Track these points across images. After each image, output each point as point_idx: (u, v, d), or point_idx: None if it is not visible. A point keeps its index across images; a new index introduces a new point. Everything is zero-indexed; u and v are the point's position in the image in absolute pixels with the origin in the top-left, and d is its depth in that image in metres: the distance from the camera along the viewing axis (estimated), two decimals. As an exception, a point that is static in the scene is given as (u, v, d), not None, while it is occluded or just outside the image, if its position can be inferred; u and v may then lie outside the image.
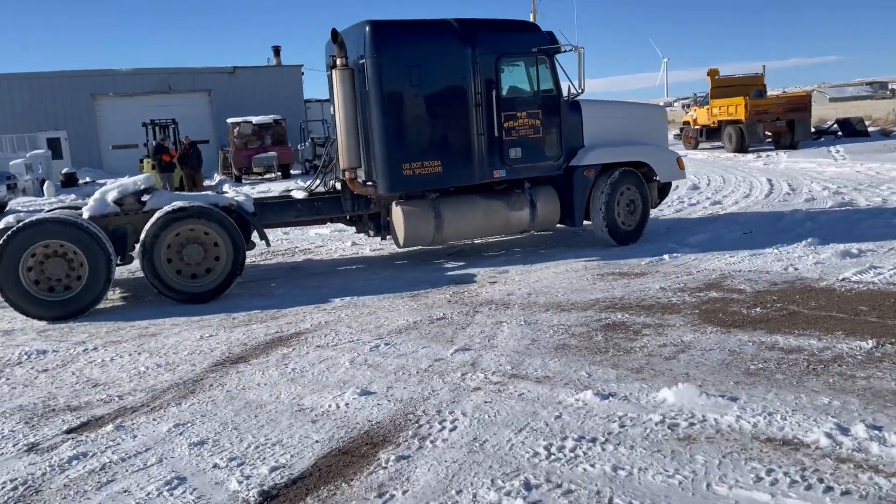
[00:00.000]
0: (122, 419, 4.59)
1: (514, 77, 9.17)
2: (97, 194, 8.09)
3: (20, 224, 7.21)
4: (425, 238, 8.96)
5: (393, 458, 3.86)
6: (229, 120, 26.90)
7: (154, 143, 22.56)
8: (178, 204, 7.79)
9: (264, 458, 3.94)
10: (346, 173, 8.84)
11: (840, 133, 32.01)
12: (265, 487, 3.63)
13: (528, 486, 3.47)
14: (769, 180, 16.35)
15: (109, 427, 4.46)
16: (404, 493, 3.50)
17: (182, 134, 23.18)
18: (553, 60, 9.23)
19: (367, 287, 8.03)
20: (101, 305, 7.63)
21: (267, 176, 26.35)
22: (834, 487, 3.28)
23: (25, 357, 6.04)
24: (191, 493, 3.60)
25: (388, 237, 9.37)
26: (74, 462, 4.00)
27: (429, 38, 8.80)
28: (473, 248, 10.22)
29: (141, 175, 8.71)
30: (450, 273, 8.58)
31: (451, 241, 9.50)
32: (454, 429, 4.17)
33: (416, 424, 4.27)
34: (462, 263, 9.09)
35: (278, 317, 6.98)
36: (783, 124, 27.18)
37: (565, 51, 9.14)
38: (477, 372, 5.09)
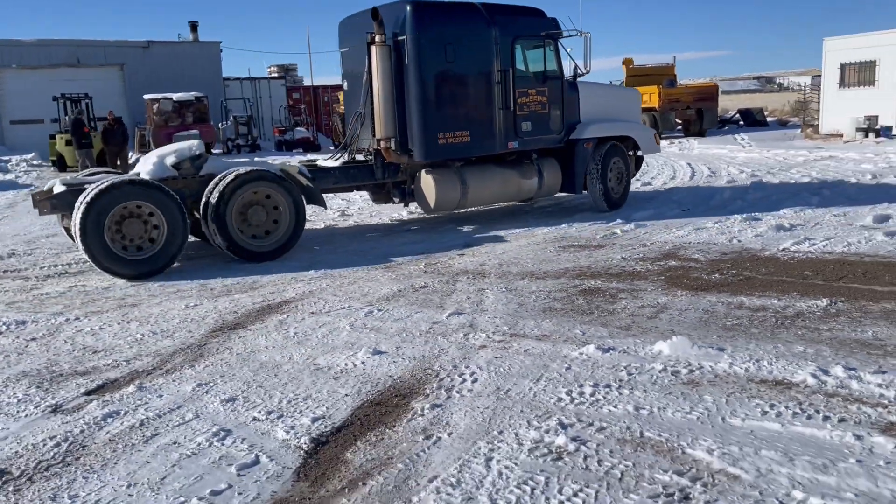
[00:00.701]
0: (139, 381, 4.62)
1: (526, 57, 10.08)
2: (153, 158, 8.22)
3: (105, 185, 7.41)
4: (451, 203, 9.78)
5: (427, 406, 4.09)
6: (147, 96, 25.95)
7: (69, 117, 21.58)
8: (245, 168, 8.27)
9: (301, 411, 4.10)
10: (382, 143, 9.36)
11: (742, 122, 34.04)
12: (313, 435, 3.80)
13: (562, 425, 3.78)
14: (689, 164, 17.32)
15: (131, 388, 4.49)
16: (449, 434, 3.75)
17: (97, 110, 22.27)
18: (557, 44, 10.21)
19: (340, 260, 8.17)
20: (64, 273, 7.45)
21: (187, 155, 25.60)
22: (830, 416, 3.75)
23: (5, 328, 5.88)
24: (241, 443, 3.73)
25: (411, 203, 10.26)
26: (110, 420, 4.04)
27: (461, 18, 9.58)
28: (432, 223, 10.47)
29: (194, 140, 8.88)
30: (417, 245, 8.79)
31: (473, 206, 10.53)
32: (475, 381, 4.44)
33: (438, 378, 4.52)
34: (425, 237, 9.32)
35: (257, 287, 7.03)
36: (693, 113, 28.69)
37: (567, 35, 10.18)
38: (477, 332, 5.37)
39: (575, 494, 3.13)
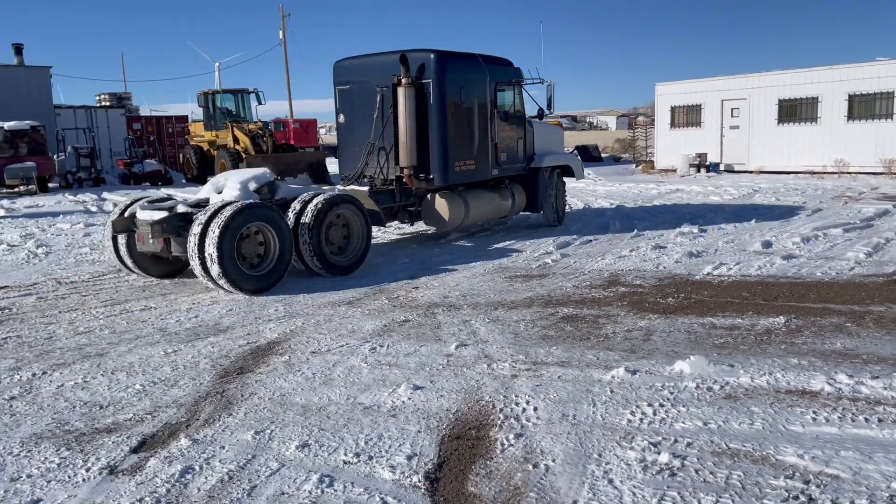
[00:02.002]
0: (184, 433, 4.29)
1: (502, 100, 12.01)
2: (235, 184, 8.64)
3: (238, 206, 7.86)
4: (457, 220, 11.30)
5: (511, 436, 4.17)
6: (-28, 124, 23.34)
7: None
8: (328, 192, 9.19)
9: (388, 451, 4.02)
10: (406, 170, 10.71)
11: (579, 158, 36.49)
12: (420, 472, 3.76)
13: (652, 443, 4.02)
14: (561, 197, 18.39)
15: (182, 441, 4.16)
16: (554, 461, 3.86)
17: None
18: (522, 89, 12.46)
19: (294, 297, 7.91)
20: (-7, 328, 6.65)
21: (20, 189, 23.31)
22: (870, 418, 4.28)
23: (-35, 386, 5.18)
24: (354, 486, 3.62)
25: (417, 223, 11.85)
26: (190, 475, 3.74)
27: (468, 66, 11.38)
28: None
29: (264, 167, 9.53)
30: (361, 280, 8.71)
31: (471, 223, 12.01)
32: (535, 409, 4.58)
33: (497, 409, 4.60)
34: (364, 272, 9.24)
35: (226, 329, 6.68)
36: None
37: (531, 82, 12.58)
38: (498, 362, 5.50)
39: (716, 504, 3.37)
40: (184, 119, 34.15)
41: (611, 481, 3.61)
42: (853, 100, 22.16)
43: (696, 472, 3.68)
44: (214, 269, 7.66)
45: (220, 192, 8.73)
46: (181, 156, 28.95)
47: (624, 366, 5.24)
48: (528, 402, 4.67)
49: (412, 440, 4.16)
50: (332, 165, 29.69)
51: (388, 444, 4.12)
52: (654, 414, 4.43)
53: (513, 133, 12.23)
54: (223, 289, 7.88)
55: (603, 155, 37.84)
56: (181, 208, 8.32)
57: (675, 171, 25.67)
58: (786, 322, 6.38)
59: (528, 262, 9.64)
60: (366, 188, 10.53)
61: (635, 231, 11.86)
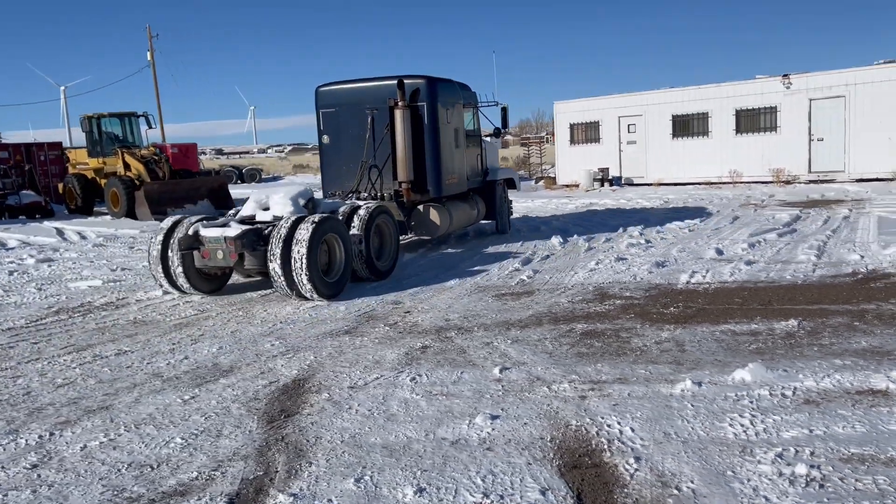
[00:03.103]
0: (273, 488, 3.79)
1: (469, 120, 13.63)
2: (285, 200, 9.22)
3: (320, 218, 8.56)
4: (445, 229, 12.29)
5: (629, 460, 3.98)
6: None
7: None
8: (369, 204, 10.08)
9: (516, 488, 3.72)
10: (404, 185, 11.86)
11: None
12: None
13: (778, 455, 3.94)
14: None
15: (282, 498, 3.68)
16: (691, 481, 3.70)
17: None
18: (478, 111, 14.09)
19: (282, 331, 7.37)
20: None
21: None
22: (954, 411, 4.41)
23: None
24: (509, 532, 3.30)
25: (409, 233, 12.47)
26: (320, 538, 3.28)
27: (449, 90, 12.72)
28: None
29: (305, 185, 10.99)
30: (338, 306, 8.25)
31: (452, 231, 13.04)
32: (632, 429, 4.40)
33: (592, 433, 4.39)
34: (325, 300, 8.78)
35: (230, 369, 6.09)
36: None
37: (486, 105, 14.22)
38: (554, 384, 5.28)
39: (890, 512, 3.31)
40: (57, 146, 31.75)
41: (767, 499, 3.49)
42: (740, 114, 23.71)
43: (842, 480, 3.63)
44: (303, 278, 8.26)
45: (266, 209, 9.32)
46: (62, 185, 26.80)
47: (687, 379, 5.17)
48: (618, 423, 4.49)
49: (530, 474, 3.87)
50: (234, 190, 28.07)
51: (507, 480, 3.82)
52: (753, 424, 4.36)
53: (476, 150, 13.84)
54: (305, 297, 8.49)
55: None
56: (234, 225, 8.89)
57: (577, 186, 26.45)
58: (798, 324, 6.56)
59: (503, 279, 9.50)
60: (372, 203, 10.62)
61: (588, 246, 12.00)
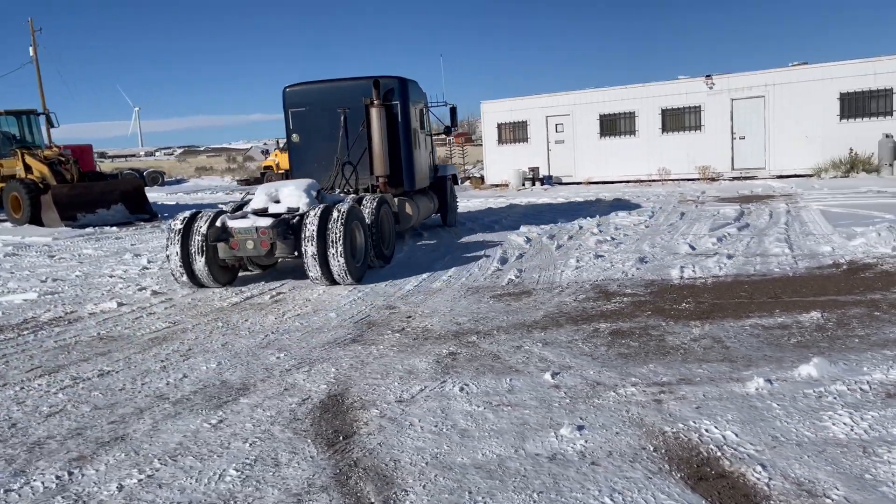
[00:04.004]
0: (383, 527, 3.27)
1: (425, 118, 14.31)
2: (299, 192, 9.60)
3: (349, 207, 9.10)
4: (415, 220, 12.96)
5: (757, 467, 3.68)
6: None
7: None
8: (375, 196, 10.92)
9: (643, 500, 3.36)
10: (381, 179, 12.52)
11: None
12: (729, 528, 3.15)
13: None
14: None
15: (399, 538, 3.16)
16: (836, 488, 3.44)
17: None
18: (429, 110, 14.64)
19: (280, 341, 6.72)
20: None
21: None
22: None
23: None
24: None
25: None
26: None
27: (415, 90, 13.46)
28: (287, 278, 9.20)
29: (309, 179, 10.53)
30: (330, 313, 7.66)
31: (417, 223, 13.53)
32: (735, 434, 4.11)
33: (691, 439, 4.08)
34: (326, 297, 8.17)
35: (245, 387, 5.43)
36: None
37: (436, 105, 14.96)
38: (620, 389, 4.96)
39: None
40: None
41: (928, 503, 3.27)
42: (666, 114, 24.31)
43: None
44: (339, 262, 8.77)
45: (277, 202, 9.65)
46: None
47: (755, 377, 4.95)
48: (716, 428, 4.20)
49: (659, 489, 3.52)
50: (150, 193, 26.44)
51: (637, 497, 3.45)
52: (855, 422, 4.17)
53: (430, 147, 14.66)
54: (336, 282, 8.99)
55: (418, 173, 38.13)
56: (251, 217, 9.26)
57: (507, 185, 26.43)
58: (822, 316, 6.51)
59: (489, 279, 9.14)
60: (374, 195, 11.28)
61: (556, 244, 11.79)
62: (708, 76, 23.51)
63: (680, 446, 4.00)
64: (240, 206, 10.02)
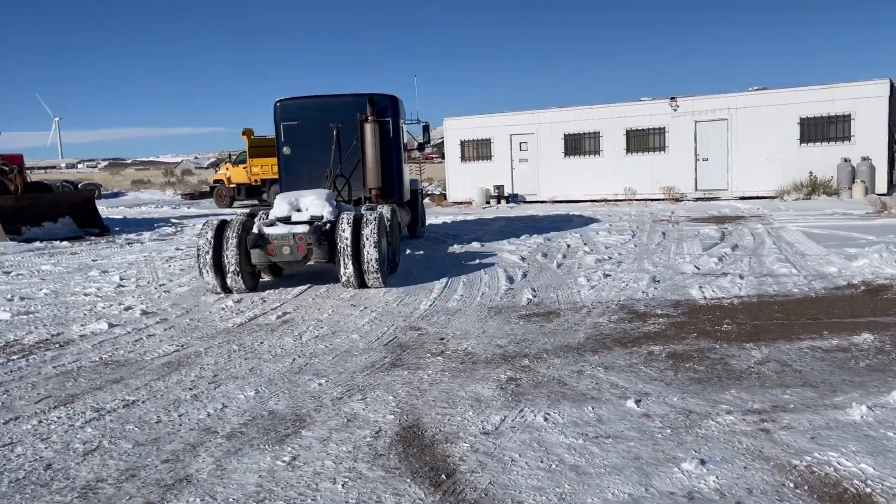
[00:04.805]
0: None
1: (404, 135, 14.64)
2: (322, 201, 10.06)
3: (380, 214, 9.63)
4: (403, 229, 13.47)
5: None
6: None
7: None
8: (389, 204, 11.82)
9: (839, 554, 3.04)
10: (373, 190, 13.08)
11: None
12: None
13: None
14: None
15: None
16: None
17: None
18: (404, 126, 14.83)
19: (310, 364, 6.21)
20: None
21: None
22: None
23: None
24: None
25: None
26: None
27: (403, 108, 14.12)
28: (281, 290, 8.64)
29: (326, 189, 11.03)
30: (353, 335, 7.17)
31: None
32: (873, 468, 3.86)
33: (828, 474, 3.80)
34: (336, 315, 7.67)
35: (300, 418, 4.93)
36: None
37: (411, 123, 15.33)
38: (718, 417, 4.66)
39: None
40: None
41: None
42: (630, 134, 24.55)
43: None
44: (373, 266, 9.26)
45: (298, 210, 10.00)
46: None
47: (855, 403, 4.73)
48: (847, 461, 3.94)
49: (833, 533, 3.21)
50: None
51: (816, 544, 3.13)
52: None
53: (406, 162, 15.07)
54: (369, 285, 9.49)
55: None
56: (280, 225, 9.78)
57: (470, 203, 26.22)
58: (876, 338, 6.40)
59: (506, 298, 8.80)
60: (387, 206, 11.62)
61: (557, 262, 11.56)
62: (672, 98, 23.87)
63: (821, 482, 3.71)
64: (252, 216, 10.32)
